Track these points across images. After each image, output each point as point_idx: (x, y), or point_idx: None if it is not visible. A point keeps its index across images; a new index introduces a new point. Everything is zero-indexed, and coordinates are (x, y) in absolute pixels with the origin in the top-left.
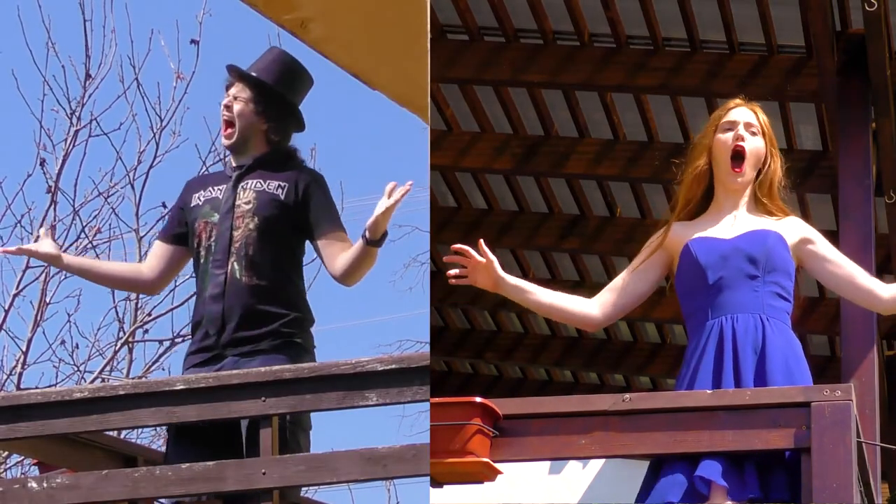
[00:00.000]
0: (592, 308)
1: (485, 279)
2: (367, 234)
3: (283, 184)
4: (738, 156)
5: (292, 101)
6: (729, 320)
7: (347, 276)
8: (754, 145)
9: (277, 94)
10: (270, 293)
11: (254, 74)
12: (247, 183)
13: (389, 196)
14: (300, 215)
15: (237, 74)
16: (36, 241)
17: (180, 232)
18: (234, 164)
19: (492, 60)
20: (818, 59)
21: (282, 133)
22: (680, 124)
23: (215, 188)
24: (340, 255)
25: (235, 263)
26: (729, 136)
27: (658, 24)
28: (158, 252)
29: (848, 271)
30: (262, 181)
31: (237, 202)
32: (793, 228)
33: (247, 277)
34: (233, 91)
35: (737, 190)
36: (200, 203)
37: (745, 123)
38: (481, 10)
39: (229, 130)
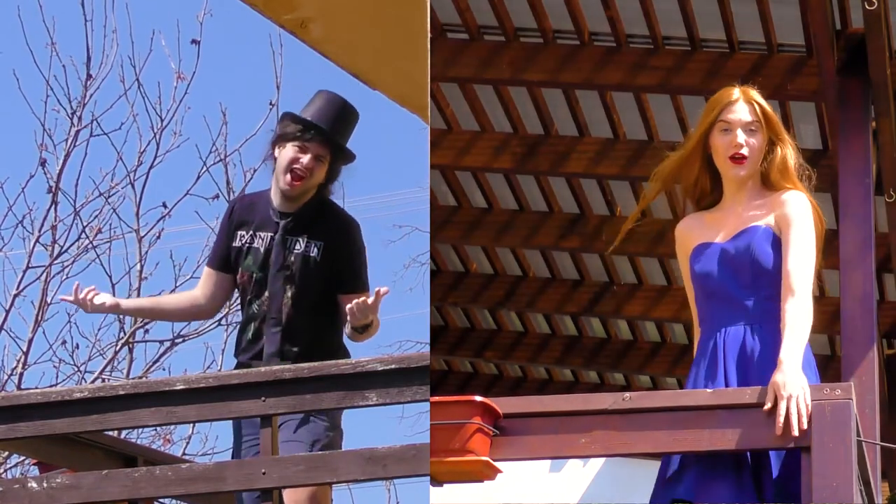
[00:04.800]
0: None
1: None
2: (347, 327)
3: (319, 242)
4: (738, 158)
5: (354, 157)
6: (722, 335)
7: (352, 339)
8: (755, 146)
9: (350, 155)
10: (300, 357)
11: (337, 140)
12: (291, 241)
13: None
14: (333, 270)
15: (323, 137)
16: (87, 295)
17: (227, 260)
18: (278, 208)
19: (492, 59)
20: (818, 59)
21: (335, 182)
22: (680, 123)
23: (258, 235)
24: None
25: (286, 332)
26: (727, 139)
27: (658, 23)
28: (211, 279)
29: (784, 267)
30: (302, 240)
31: (286, 262)
32: (778, 210)
33: (293, 348)
34: (314, 149)
35: (740, 180)
36: (244, 248)
37: (743, 125)
38: (481, 9)
39: (299, 183)
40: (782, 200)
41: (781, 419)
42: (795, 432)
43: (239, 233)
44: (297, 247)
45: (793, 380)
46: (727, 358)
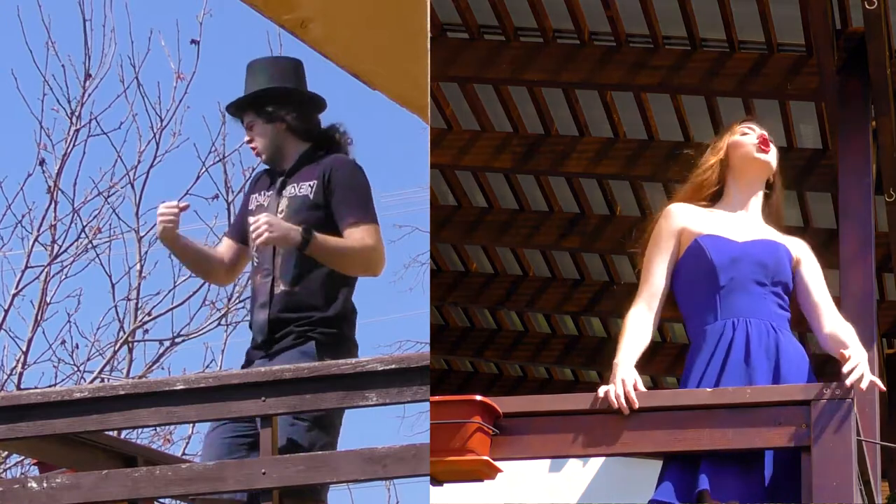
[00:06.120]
0: (654, 322)
1: None
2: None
3: (312, 182)
4: (765, 144)
5: (291, 88)
6: (742, 323)
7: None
8: (774, 154)
9: (273, 93)
10: (300, 298)
11: (243, 96)
12: (285, 189)
13: None
14: (330, 204)
15: (235, 108)
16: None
17: (243, 230)
18: (278, 170)
19: (492, 59)
20: (818, 58)
21: (304, 121)
22: (680, 123)
23: (263, 194)
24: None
25: (277, 271)
26: (751, 135)
27: (658, 22)
28: (227, 247)
29: (816, 301)
30: (296, 185)
31: (279, 207)
32: (796, 247)
33: (284, 285)
34: (247, 123)
35: (763, 171)
36: (253, 209)
37: (765, 134)
38: (481, 8)
39: (261, 157)
40: (799, 243)
41: (855, 363)
42: (864, 384)
43: (253, 196)
44: (291, 191)
45: (864, 354)
46: (752, 346)
